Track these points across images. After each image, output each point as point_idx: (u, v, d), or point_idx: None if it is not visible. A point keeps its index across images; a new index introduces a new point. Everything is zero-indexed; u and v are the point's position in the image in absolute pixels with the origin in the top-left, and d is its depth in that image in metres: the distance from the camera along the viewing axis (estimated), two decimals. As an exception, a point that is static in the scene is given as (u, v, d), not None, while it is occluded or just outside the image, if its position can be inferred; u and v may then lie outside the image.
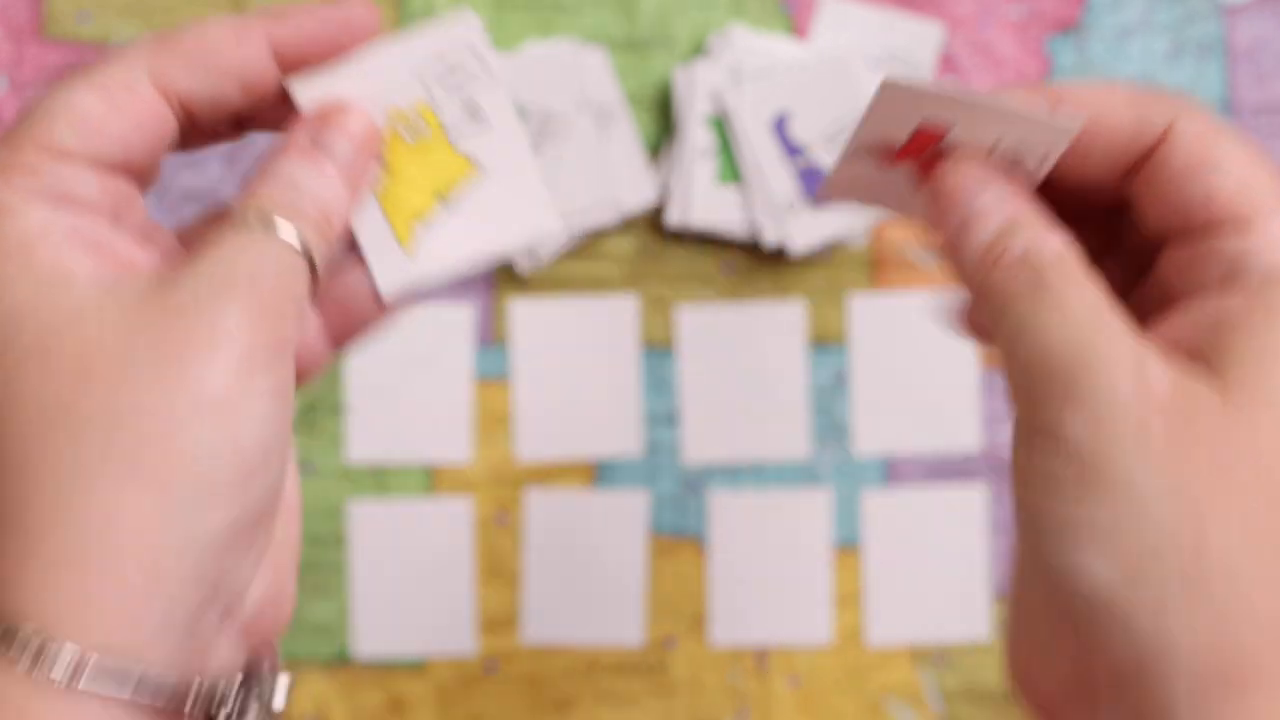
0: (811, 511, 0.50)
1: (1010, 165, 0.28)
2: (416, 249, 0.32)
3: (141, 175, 0.27)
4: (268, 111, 0.29)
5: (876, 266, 0.50)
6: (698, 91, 0.48)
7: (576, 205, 0.47)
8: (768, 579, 0.50)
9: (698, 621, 0.50)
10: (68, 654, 0.21)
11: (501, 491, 0.50)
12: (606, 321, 0.50)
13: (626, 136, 0.48)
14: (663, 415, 0.50)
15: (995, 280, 0.26)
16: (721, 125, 0.48)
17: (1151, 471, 0.23)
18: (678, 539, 0.50)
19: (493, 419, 0.50)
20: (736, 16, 0.50)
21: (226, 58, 0.27)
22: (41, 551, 0.22)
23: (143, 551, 0.23)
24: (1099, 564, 0.23)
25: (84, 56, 0.49)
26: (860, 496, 0.50)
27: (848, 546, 0.50)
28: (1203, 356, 0.24)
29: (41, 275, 0.24)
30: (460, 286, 0.50)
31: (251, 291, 0.25)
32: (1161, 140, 0.26)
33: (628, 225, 0.49)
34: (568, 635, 0.50)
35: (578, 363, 0.50)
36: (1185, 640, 0.23)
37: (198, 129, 0.28)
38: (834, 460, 0.50)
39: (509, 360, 0.50)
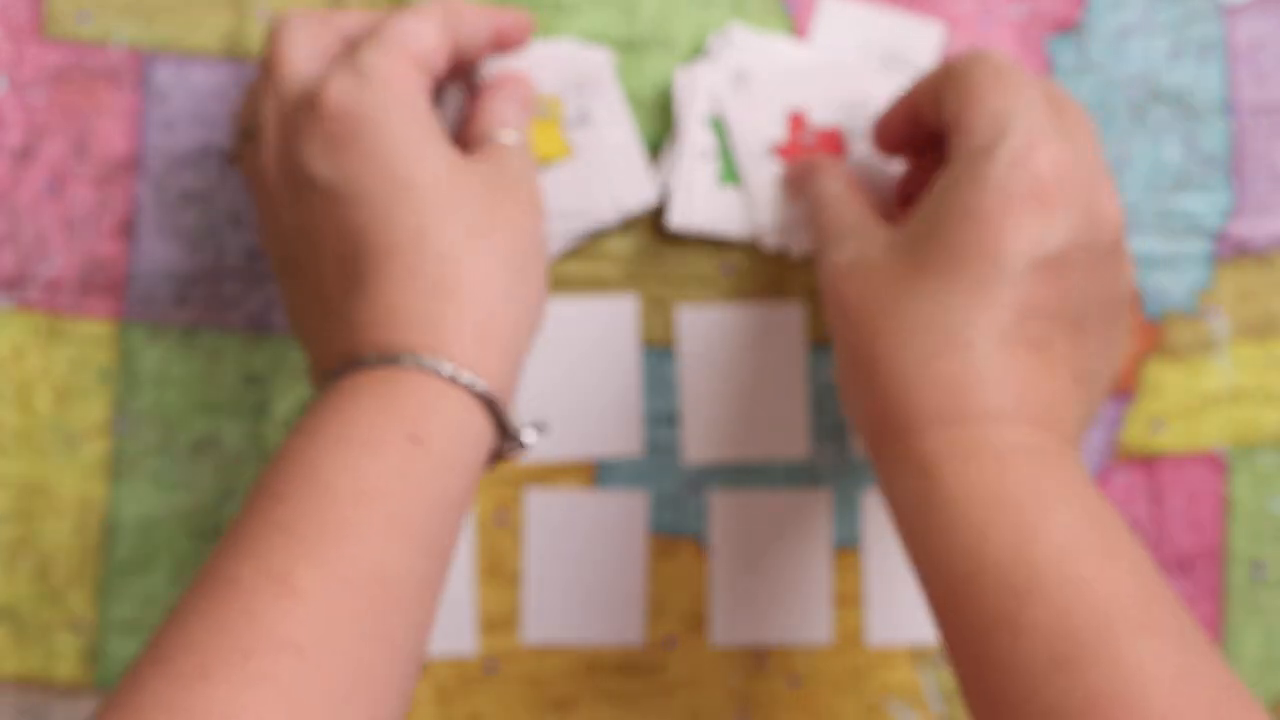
0: (811, 511, 0.50)
1: (850, 137, 0.47)
2: None
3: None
4: (466, 75, 0.46)
5: (876, 266, 0.50)
6: (698, 92, 0.48)
7: (576, 205, 0.47)
8: (768, 579, 0.50)
9: (698, 621, 0.50)
10: (452, 369, 0.36)
11: (501, 491, 0.50)
12: (606, 321, 0.50)
13: (627, 136, 0.48)
14: (663, 415, 0.50)
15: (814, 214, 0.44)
16: (721, 126, 0.48)
17: (844, 312, 0.39)
18: (678, 539, 0.50)
19: (493, 419, 0.50)
20: (736, 16, 0.50)
21: (483, 26, 0.43)
22: (448, 311, 0.37)
23: (497, 321, 0.38)
24: (839, 356, 0.40)
25: (84, 57, 0.49)
26: (860, 496, 0.50)
27: (848, 546, 0.51)
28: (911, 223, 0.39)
29: (432, 133, 0.39)
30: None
31: (532, 173, 0.43)
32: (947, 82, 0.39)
33: (628, 225, 0.49)
34: (568, 635, 0.50)
35: (578, 362, 0.50)
36: (862, 412, 0.39)
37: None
38: (834, 460, 0.50)
39: (509, 360, 0.50)
